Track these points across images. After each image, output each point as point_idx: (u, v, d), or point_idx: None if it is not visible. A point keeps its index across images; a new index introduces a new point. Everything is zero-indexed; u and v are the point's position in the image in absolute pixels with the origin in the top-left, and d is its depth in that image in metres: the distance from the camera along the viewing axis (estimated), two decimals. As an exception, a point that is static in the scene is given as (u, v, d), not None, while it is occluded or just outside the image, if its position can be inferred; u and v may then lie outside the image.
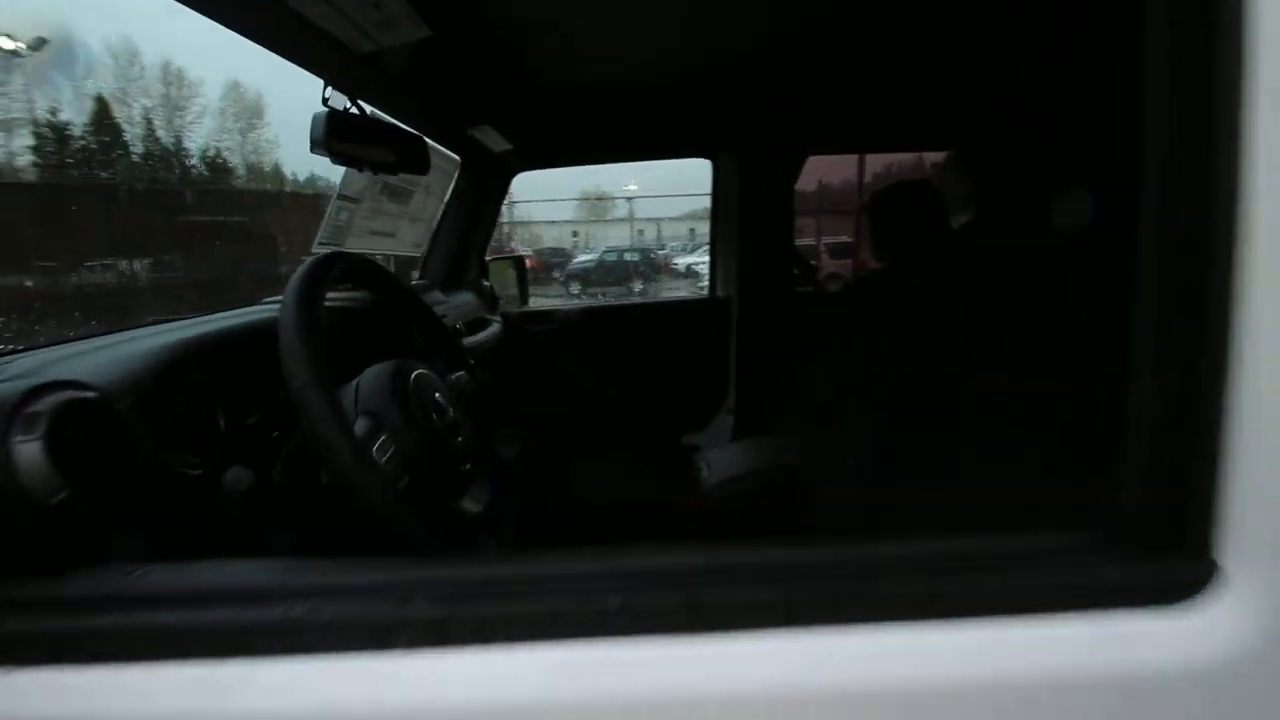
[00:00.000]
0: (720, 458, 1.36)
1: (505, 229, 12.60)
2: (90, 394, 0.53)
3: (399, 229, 1.65)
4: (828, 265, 6.31)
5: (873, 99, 1.70)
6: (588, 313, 2.15)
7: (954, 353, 0.90)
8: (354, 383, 0.76)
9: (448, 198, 1.85)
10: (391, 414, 0.71)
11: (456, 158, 1.79)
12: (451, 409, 0.84)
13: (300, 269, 0.69)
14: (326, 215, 1.30)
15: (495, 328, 1.79)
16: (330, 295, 1.06)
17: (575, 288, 13.63)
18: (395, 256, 1.83)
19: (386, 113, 1.30)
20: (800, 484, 1.22)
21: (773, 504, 1.26)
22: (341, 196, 1.32)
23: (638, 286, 13.08)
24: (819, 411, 1.40)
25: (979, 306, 0.96)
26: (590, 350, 2.12)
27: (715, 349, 2.12)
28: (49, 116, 13.77)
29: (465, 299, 1.80)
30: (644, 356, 2.14)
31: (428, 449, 0.73)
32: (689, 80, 1.54)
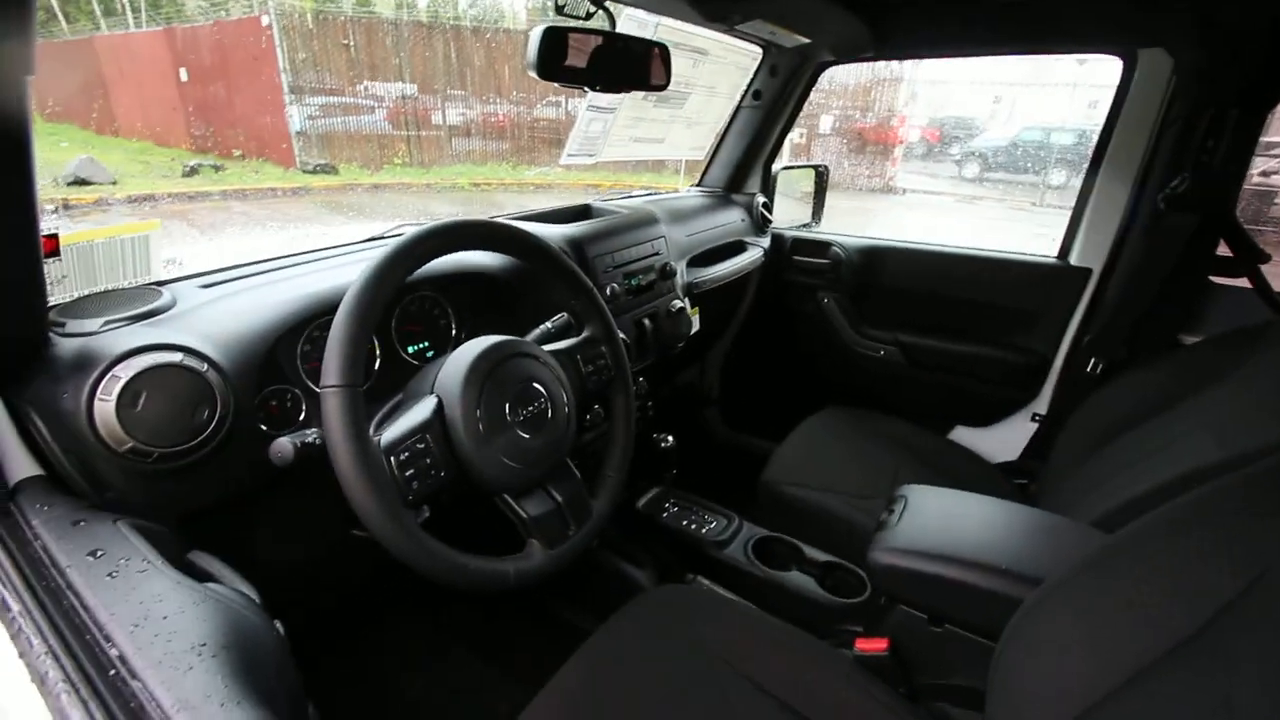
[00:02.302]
0: (920, 511, 1.00)
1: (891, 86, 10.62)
2: (177, 358, 0.64)
3: (670, 134, 1.54)
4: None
5: None
6: (876, 252, 1.76)
7: None
8: (445, 356, 0.76)
9: (740, 97, 1.64)
10: (456, 401, 0.70)
11: (755, 49, 1.53)
12: (553, 403, 0.78)
13: (383, 251, 0.68)
14: (575, 126, 1.27)
15: (750, 257, 1.61)
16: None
17: (971, 170, 11.39)
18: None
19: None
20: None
21: None
22: (592, 107, 1.27)
23: (1055, 180, 10.17)
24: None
25: None
26: (869, 298, 1.77)
27: (1046, 332, 1.55)
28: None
29: (726, 220, 1.64)
30: (940, 319, 1.69)
31: (485, 449, 0.70)
32: None
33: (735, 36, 1.41)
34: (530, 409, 0.75)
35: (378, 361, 0.89)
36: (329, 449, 0.60)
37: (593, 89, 1.09)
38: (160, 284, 0.83)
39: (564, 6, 0.98)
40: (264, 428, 0.75)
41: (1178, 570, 0.57)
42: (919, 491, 1.05)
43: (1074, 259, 1.50)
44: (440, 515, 0.70)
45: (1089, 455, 1.22)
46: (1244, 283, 1.30)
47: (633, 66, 1.06)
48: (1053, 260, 1.54)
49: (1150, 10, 1.19)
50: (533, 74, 0.95)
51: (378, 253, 0.67)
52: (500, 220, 0.80)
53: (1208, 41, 1.13)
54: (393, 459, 0.64)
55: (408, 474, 0.64)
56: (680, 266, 1.34)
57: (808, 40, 1.42)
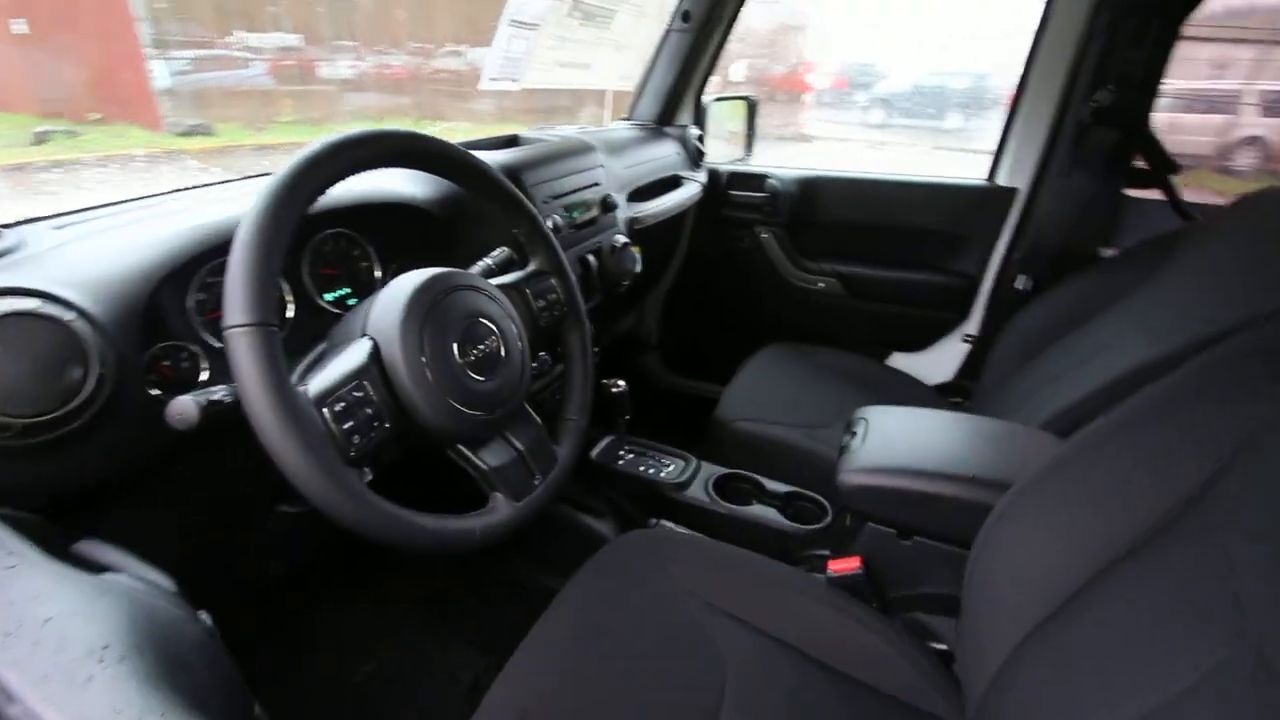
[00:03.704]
0: (881, 431, 1.00)
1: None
2: (31, 305, 0.51)
3: (597, 59, 1.43)
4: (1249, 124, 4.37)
5: None
6: (812, 183, 1.73)
7: None
8: (375, 294, 0.65)
9: (671, 18, 1.53)
10: (395, 341, 0.60)
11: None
12: (505, 341, 0.69)
13: (290, 162, 0.56)
14: (494, 45, 1.14)
15: (689, 191, 1.54)
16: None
17: (877, 116, 11.72)
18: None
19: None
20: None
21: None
22: (513, 22, 1.14)
23: (949, 124, 10.59)
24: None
25: None
26: (805, 231, 1.75)
27: (975, 254, 1.59)
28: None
29: (661, 153, 1.55)
30: (871, 247, 1.70)
31: (434, 395, 0.61)
32: None
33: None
34: (481, 348, 0.66)
35: (290, 308, 0.77)
36: (245, 404, 0.49)
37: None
38: (2, 227, 0.67)
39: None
40: (157, 393, 0.62)
41: (1145, 461, 0.57)
42: (877, 412, 1.05)
43: (1001, 179, 1.53)
44: (382, 477, 0.61)
45: (1018, 370, 1.27)
46: (1155, 194, 1.36)
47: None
48: (982, 182, 1.57)
49: None
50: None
51: (282, 166, 0.56)
52: (432, 135, 0.69)
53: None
54: (325, 411, 0.54)
55: (345, 427, 0.55)
56: (621, 200, 1.26)
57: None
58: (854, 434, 1.01)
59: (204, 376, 0.67)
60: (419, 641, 1.16)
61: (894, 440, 0.97)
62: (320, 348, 0.67)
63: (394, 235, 0.89)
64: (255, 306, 0.50)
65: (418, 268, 0.67)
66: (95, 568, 0.45)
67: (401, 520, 0.56)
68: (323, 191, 0.58)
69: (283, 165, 0.55)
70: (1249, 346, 0.56)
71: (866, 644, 0.79)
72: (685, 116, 1.71)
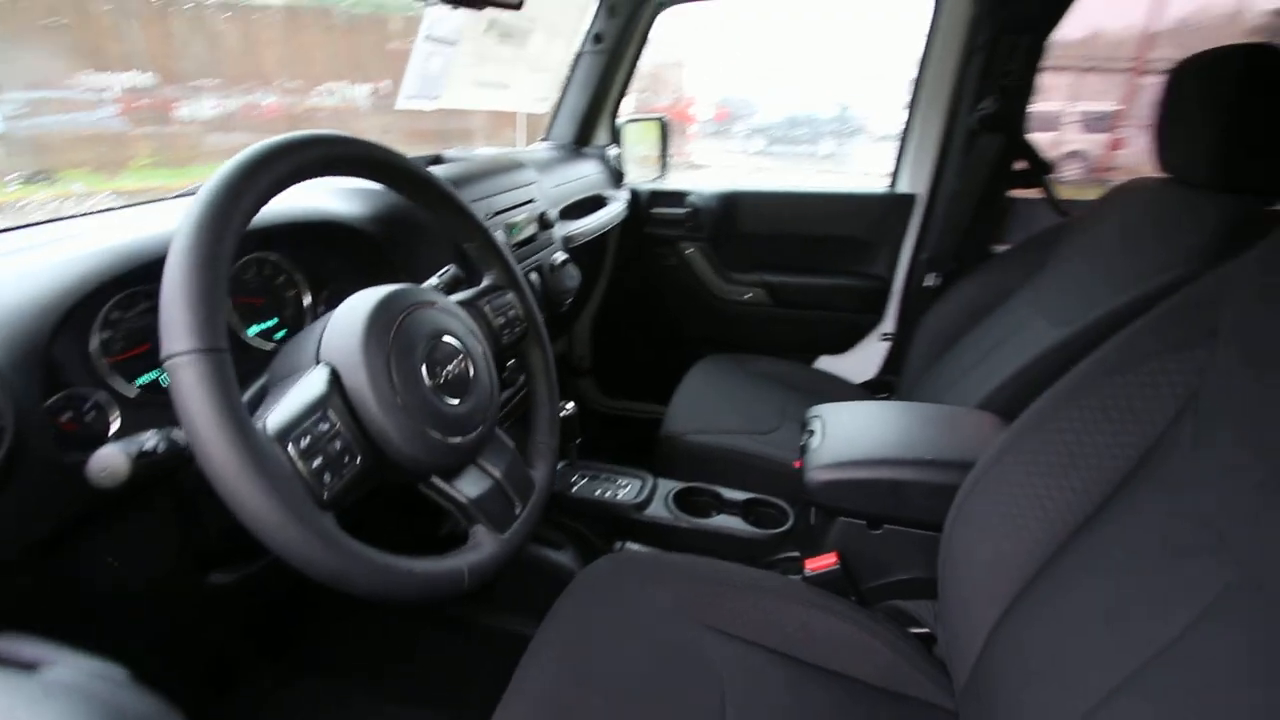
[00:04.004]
0: (838, 427, 1.03)
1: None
2: None
3: (515, 79, 1.40)
4: (1072, 140, 5.02)
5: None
6: (731, 198, 1.79)
7: None
8: (327, 317, 0.58)
9: (583, 41, 1.54)
10: (359, 366, 0.53)
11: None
12: (473, 360, 0.64)
13: (222, 168, 0.49)
14: (412, 62, 1.08)
15: (614, 209, 1.54)
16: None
17: (757, 144, 12.46)
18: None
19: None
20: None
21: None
22: (430, 38, 1.09)
23: (823, 150, 11.49)
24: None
25: None
26: (728, 244, 1.80)
27: (885, 258, 1.69)
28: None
29: (583, 172, 1.55)
30: (793, 257, 1.77)
31: (408, 422, 0.54)
32: None
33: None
34: (450, 369, 0.61)
35: None
36: (196, 445, 0.41)
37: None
38: None
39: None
40: (60, 450, 0.51)
41: (1099, 423, 0.61)
42: (829, 410, 1.08)
43: (902, 187, 1.64)
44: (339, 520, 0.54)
45: (936, 361, 1.36)
46: (1035, 193, 1.52)
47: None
48: (884, 191, 1.68)
49: None
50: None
51: (219, 169, 0.48)
52: (381, 144, 0.63)
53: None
54: (290, 448, 0.47)
55: (314, 465, 0.47)
56: (557, 216, 1.23)
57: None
58: (812, 433, 1.02)
59: (115, 429, 0.57)
60: (382, 712, 1.04)
61: (852, 434, 0.99)
62: (259, 383, 0.59)
63: (323, 258, 0.80)
64: (202, 329, 0.42)
65: (352, 293, 0.60)
66: (23, 666, 0.35)
67: (388, 568, 0.49)
68: (266, 200, 0.51)
69: (220, 169, 0.48)
70: (1170, 312, 0.62)
71: (851, 638, 0.78)
72: (602, 137, 1.71)
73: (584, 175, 1.52)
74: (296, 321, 0.78)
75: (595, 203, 1.51)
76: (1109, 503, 0.58)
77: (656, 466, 1.29)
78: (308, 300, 0.79)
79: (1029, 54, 1.33)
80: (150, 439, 0.46)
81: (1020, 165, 1.48)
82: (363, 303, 0.57)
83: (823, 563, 0.95)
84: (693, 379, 1.51)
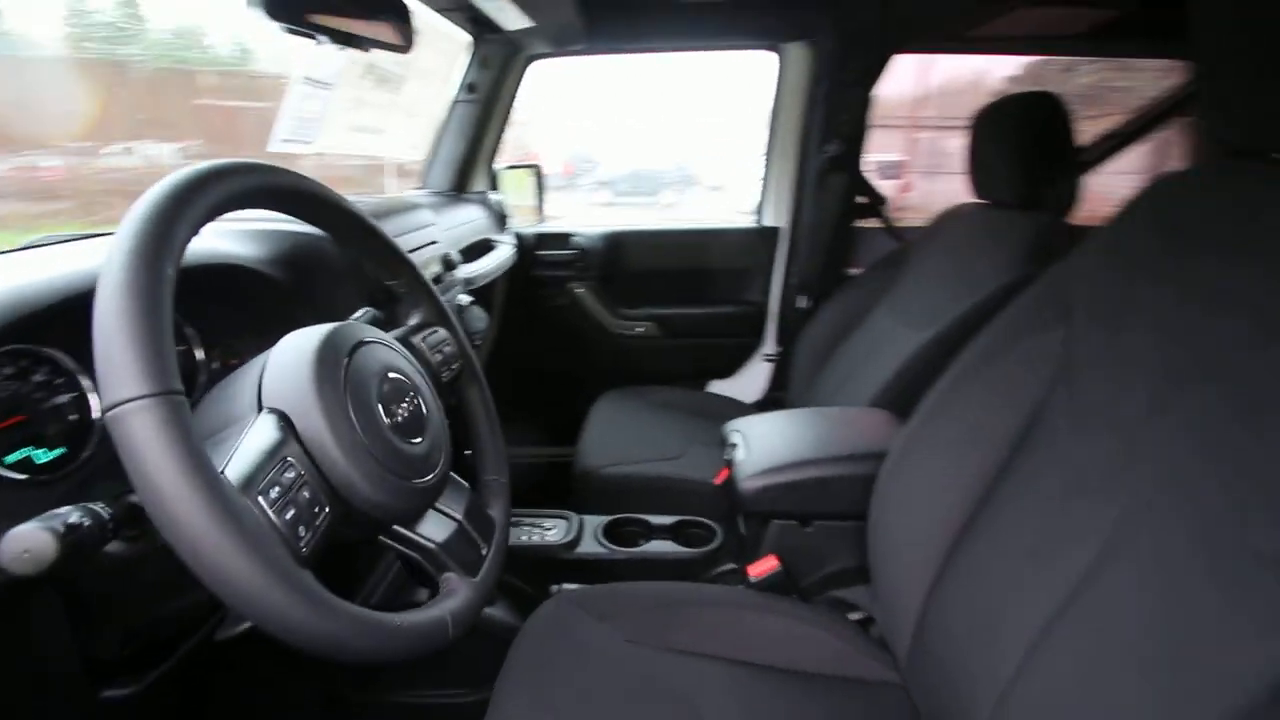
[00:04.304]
0: (759, 437, 1.09)
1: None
2: None
3: (390, 124, 1.36)
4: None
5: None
6: (616, 237, 1.85)
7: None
8: (258, 362, 0.52)
9: (458, 90, 1.54)
10: (314, 410, 0.48)
11: (467, 36, 1.46)
12: (423, 397, 0.60)
13: (150, 193, 0.43)
14: (287, 103, 1.02)
15: (505, 252, 1.53)
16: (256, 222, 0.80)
17: (603, 196, 13.01)
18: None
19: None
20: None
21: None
22: (308, 80, 1.03)
23: (668, 199, 12.33)
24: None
25: None
26: (616, 282, 1.85)
27: (759, 285, 1.84)
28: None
29: (469, 217, 1.52)
30: (678, 290, 1.86)
31: (375, 467, 0.49)
32: None
33: (443, 16, 1.32)
34: (404, 408, 0.56)
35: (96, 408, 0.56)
36: (155, 503, 0.35)
37: (317, 42, 0.89)
38: None
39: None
40: None
41: (993, 395, 0.71)
42: (746, 423, 1.14)
43: (767, 221, 1.81)
44: None
45: (818, 373, 1.49)
46: (875, 223, 1.75)
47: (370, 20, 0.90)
48: (752, 225, 1.84)
49: (796, 11, 1.52)
50: (259, 10, 0.73)
51: (149, 191, 0.42)
52: (305, 175, 0.58)
53: (838, 37, 1.50)
54: (260, 499, 0.41)
55: (288, 517, 0.42)
56: (459, 257, 1.19)
57: (518, 26, 1.41)
58: (734, 446, 1.07)
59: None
60: None
61: (774, 442, 1.05)
62: None
63: (217, 307, 0.71)
64: (151, 370, 0.36)
65: (250, 347, 0.54)
66: None
67: (378, 626, 0.44)
68: (199, 228, 0.45)
69: (145, 195, 0.42)
70: (1029, 302, 0.74)
71: (799, 634, 0.82)
72: (479, 184, 1.70)
73: (471, 220, 1.50)
74: (189, 380, 0.68)
75: (484, 246, 1.49)
76: (1008, 468, 0.67)
77: (577, 504, 1.27)
78: (200, 355, 0.69)
79: (860, 105, 1.55)
80: (72, 513, 0.38)
81: (861, 200, 1.71)
82: (306, 342, 0.52)
83: (764, 567, 0.98)
84: (599, 413, 1.52)
